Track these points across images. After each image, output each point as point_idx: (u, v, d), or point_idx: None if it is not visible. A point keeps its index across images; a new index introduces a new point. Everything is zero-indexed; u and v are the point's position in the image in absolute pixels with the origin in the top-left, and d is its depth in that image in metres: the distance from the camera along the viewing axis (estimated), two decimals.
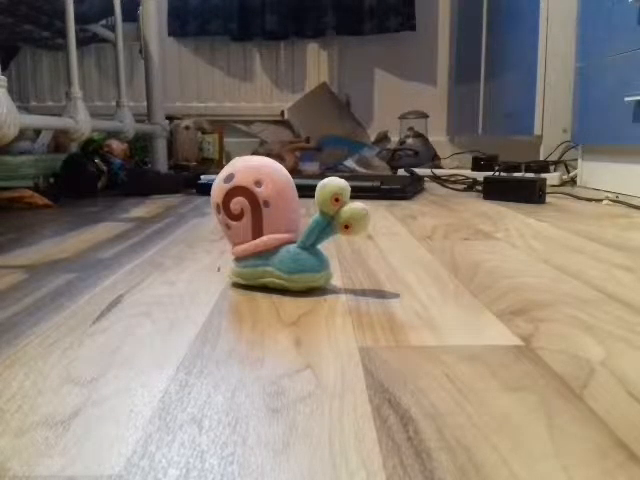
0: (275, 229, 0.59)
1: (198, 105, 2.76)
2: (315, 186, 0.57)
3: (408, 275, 0.66)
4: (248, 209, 0.58)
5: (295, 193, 0.61)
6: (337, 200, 0.56)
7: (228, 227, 0.60)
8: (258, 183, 0.58)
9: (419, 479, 0.27)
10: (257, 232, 0.59)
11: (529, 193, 1.33)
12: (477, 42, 2.35)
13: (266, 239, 0.58)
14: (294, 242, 0.59)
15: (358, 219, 0.56)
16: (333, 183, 0.56)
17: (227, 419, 0.32)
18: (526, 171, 1.75)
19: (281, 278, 0.58)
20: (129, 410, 0.33)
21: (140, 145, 1.97)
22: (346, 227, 0.57)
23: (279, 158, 2.13)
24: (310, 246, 0.58)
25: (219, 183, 0.60)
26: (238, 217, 0.59)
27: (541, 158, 1.85)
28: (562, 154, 1.81)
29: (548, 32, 1.78)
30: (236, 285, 0.62)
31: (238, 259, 0.61)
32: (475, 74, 2.39)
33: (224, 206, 0.59)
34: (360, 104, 2.81)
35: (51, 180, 1.48)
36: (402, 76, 2.81)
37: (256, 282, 0.60)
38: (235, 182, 0.58)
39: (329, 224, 0.57)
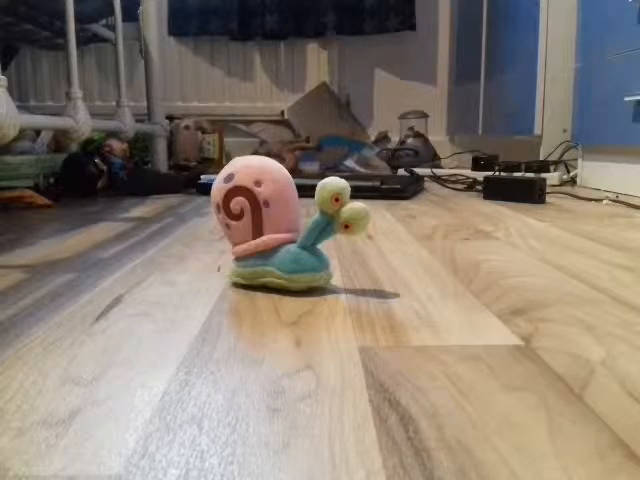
0: (275, 229, 0.59)
1: (198, 105, 2.76)
2: (315, 186, 0.57)
3: (408, 275, 0.66)
4: (248, 209, 0.58)
5: (295, 193, 0.61)
6: (337, 200, 0.56)
7: (228, 227, 0.60)
8: (258, 183, 0.58)
9: (419, 479, 0.27)
10: (257, 232, 0.59)
11: (529, 193, 1.33)
12: (477, 42, 2.35)
13: (266, 239, 0.58)
14: (294, 242, 0.59)
15: (358, 219, 0.56)
16: (333, 183, 0.56)
17: (227, 419, 0.32)
18: (526, 171, 1.74)
19: (281, 278, 0.58)
20: (129, 410, 0.33)
21: (140, 145, 1.96)
22: (346, 227, 0.57)
23: (279, 158, 2.13)
24: (310, 246, 0.58)
25: (219, 183, 0.60)
26: (238, 217, 0.59)
27: (541, 158, 1.85)
28: (562, 154, 1.81)
29: (548, 32, 1.78)
30: (236, 285, 0.61)
31: (238, 259, 0.61)
32: (475, 74, 2.38)
33: (224, 206, 0.59)
34: (360, 104, 2.81)
35: (51, 180, 1.48)
36: (402, 76, 2.81)
37: (256, 282, 0.60)
38: (235, 182, 0.58)
39: (329, 224, 0.57)
